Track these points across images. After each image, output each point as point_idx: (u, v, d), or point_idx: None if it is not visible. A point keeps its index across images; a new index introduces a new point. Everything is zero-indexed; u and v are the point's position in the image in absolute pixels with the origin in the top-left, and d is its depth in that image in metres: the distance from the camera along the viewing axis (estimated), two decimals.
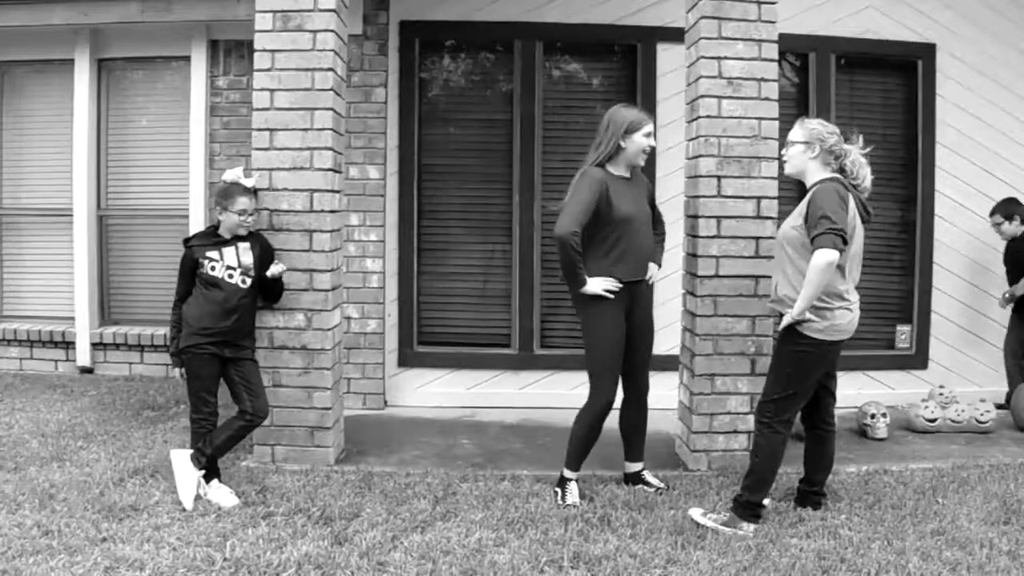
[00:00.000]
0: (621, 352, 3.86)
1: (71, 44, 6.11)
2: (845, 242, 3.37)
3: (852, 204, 3.46)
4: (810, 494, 3.76)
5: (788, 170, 3.64)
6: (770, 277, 3.93)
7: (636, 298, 3.92)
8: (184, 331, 3.81)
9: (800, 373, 3.54)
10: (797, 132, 3.58)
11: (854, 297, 3.54)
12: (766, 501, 3.64)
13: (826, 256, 3.30)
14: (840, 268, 3.43)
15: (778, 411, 3.56)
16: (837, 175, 3.52)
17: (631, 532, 3.46)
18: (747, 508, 3.55)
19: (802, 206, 3.51)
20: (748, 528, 3.50)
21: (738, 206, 4.23)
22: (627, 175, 3.92)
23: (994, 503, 3.80)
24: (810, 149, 3.53)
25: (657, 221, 4.10)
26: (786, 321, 3.48)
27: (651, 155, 5.57)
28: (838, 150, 3.52)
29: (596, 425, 3.90)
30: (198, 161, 6.09)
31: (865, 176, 3.54)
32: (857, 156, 3.54)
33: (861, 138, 3.59)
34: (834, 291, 3.44)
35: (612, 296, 3.78)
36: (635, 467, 4.09)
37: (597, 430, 3.91)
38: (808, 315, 3.43)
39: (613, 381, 3.87)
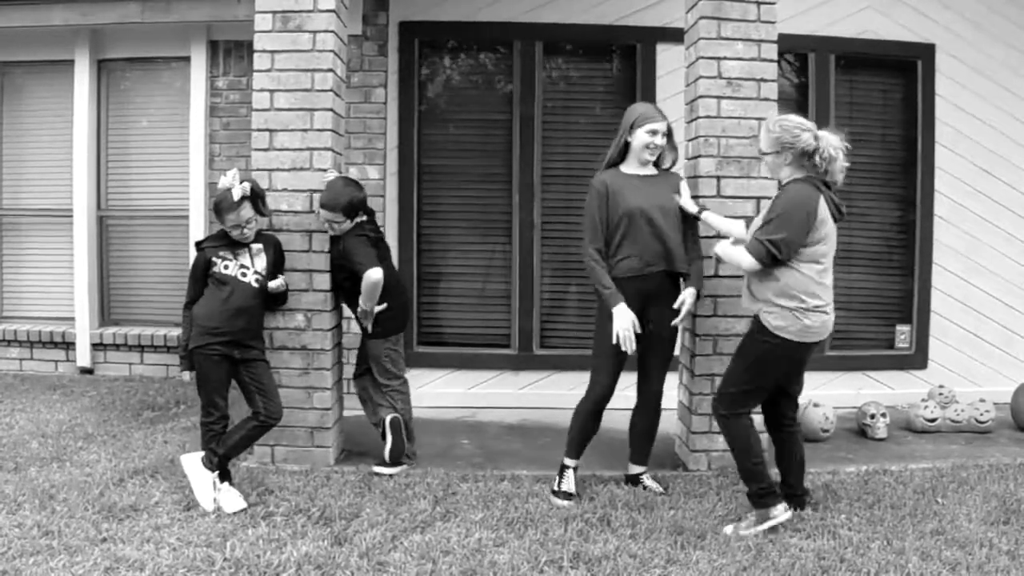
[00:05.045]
0: (621, 349, 3.83)
1: (71, 45, 6.11)
2: (775, 259, 3.35)
3: (822, 206, 3.37)
4: (792, 496, 3.71)
5: (766, 173, 3.62)
6: None
7: (651, 297, 3.84)
8: (194, 331, 3.78)
9: (764, 370, 3.52)
10: (764, 142, 3.50)
11: (828, 298, 3.47)
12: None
13: (745, 263, 3.39)
14: (821, 270, 3.40)
15: (735, 403, 3.55)
16: (808, 177, 3.42)
17: (631, 532, 3.46)
18: (764, 496, 3.52)
19: (765, 210, 3.49)
20: (779, 509, 3.47)
21: (737, 206, 4.22)
22: (643, 172, 3.91)
23: (993, 503, 3.80)
24: (781, 156, 3.45)
25: (690, 239, 3.94)
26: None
27: None
28: (809, 148, 3.38)
29: (591, 416, 3.92)
30: (198, 162, 6.09)
31: (835, 171, 3.41)
32: (828, 148, 3.38)
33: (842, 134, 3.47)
34: (810, 292, 3.40)
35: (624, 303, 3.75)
36: (636, 470, 4.09)
37: (593, 422, 3.93)
38: (772, 319, 3.43)
39: (609, 374, 3.87)
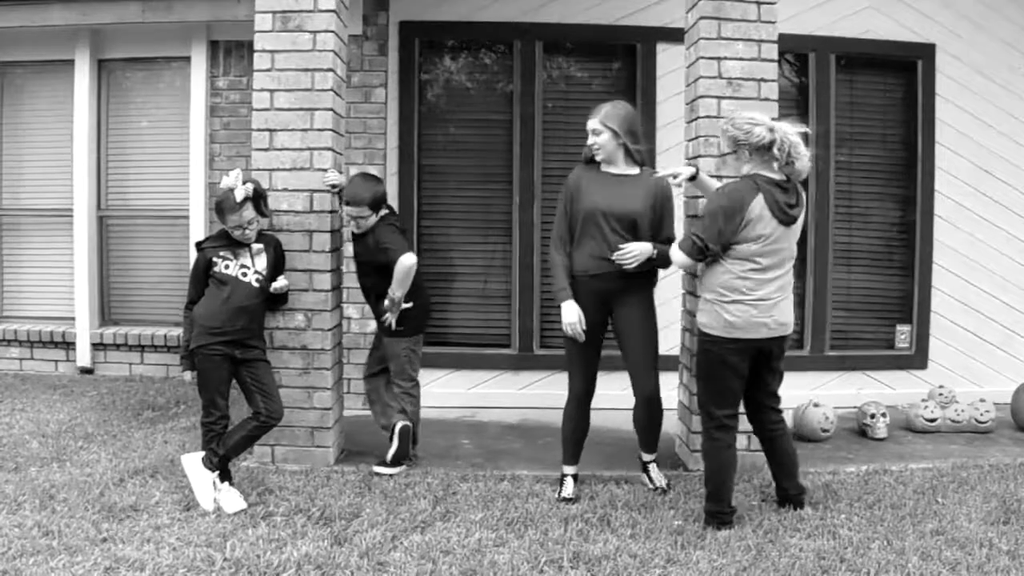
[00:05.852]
0: (586, 347, 3.85)
1: (71, 44, 6.11)
2: (703, 253, 3.40)
3: (757, 205, 3.31)
4: (786, 498, 3.72)
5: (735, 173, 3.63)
6: None
7: (612, 296, 3.84)
8: (195, 332, 3.78)
9: (709, 373, 3.50)
10: (722, 142, 3.55)
11: (757, 295, 3.37)
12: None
13: (677, 259, 3.49)
14: (752, 269, 3.37)
15: (707, 416, 3.52)
16: (754, 174, 3.39)
17: (631, 532, 3.47)
18: (713, 516, 3.53)
19: None
20: (723, 534, 3.45)
21: None
22: (617, 171, 3.88)
23: (994, 503, 3.80)
24: (739, 156, 3.46)
25: (662, 236, 3.86)
26: None
27: (651, 155, 5.62)
28: (764, 142, 3.32)
29: (573, 419, 3.96)
30: (198, 162, 6.09)
31: (800, 157, 3.33)
32: (786, 138, 3.31)
33: (802, 126, 3.42)
34: (730, 287, 3.39)
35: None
36: (645, 457, 4.11)
37: (577, 424, 3.97)
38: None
39: (580, 372, 3.92)
